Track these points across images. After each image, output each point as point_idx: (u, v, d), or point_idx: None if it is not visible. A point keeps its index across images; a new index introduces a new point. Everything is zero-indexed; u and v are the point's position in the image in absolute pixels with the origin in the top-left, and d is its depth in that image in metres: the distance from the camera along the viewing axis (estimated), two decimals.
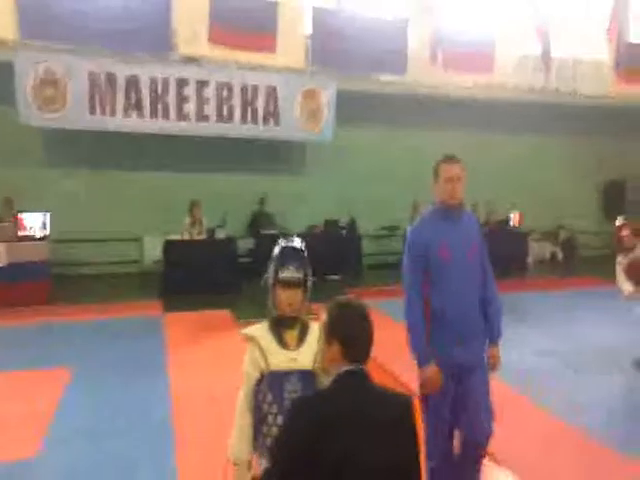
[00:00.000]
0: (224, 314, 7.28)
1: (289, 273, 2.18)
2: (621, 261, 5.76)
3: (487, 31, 10.99)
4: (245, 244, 9.68)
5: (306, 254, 2.29)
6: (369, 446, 1.60)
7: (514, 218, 11.12)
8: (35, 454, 3.66)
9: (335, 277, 9.66)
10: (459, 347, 2.78)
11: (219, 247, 8.82)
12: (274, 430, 2.11)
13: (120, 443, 3.80)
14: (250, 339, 2.21)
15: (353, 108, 10.36)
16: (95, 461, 3.58)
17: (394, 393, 1.80)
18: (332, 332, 1.74)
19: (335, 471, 1.56)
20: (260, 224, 10.02)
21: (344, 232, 10.25)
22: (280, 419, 2.10)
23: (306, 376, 2.15)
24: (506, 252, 9.99)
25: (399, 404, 1.73)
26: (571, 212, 12.30)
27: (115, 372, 5.14)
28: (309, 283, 2.26)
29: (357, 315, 1.77)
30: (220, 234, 8.88)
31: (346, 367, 1.70)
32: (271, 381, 2.15)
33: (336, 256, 9.54)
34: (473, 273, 2.86)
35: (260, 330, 2.23)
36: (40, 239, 8.18)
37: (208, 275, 8.37)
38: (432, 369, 2.77)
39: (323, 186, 10.82)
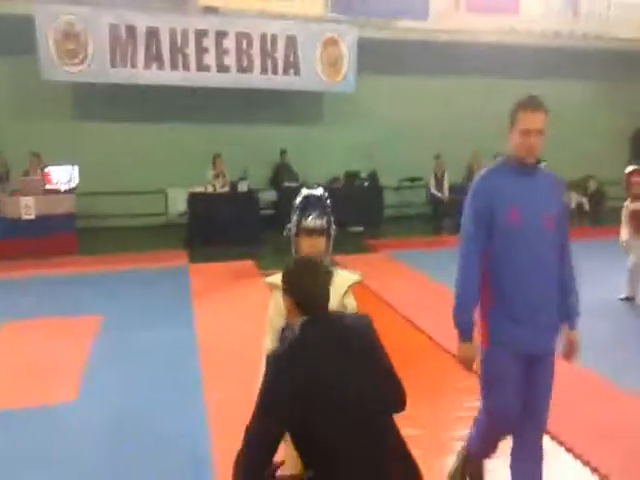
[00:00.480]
0: (248, 264, 7.46)
1: (312, 221, 2.19)
2: (628, 205, 5.82)
3: None
4: (267, 196, 9.78)
5: (329, 202, 2.30)
6: (347, 376, 1.69)
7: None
8: (73, 398, 3.88)
9: (357, 229, 9.73)
10: (527, 332, 2.34)
11: (242, 199, 8.95)
12: None
13: (151, 388, 3.99)
14: (274, 287, 2.21)
15: (373, 56, 10.15)
16: (129, 405, 3.78)
17: (356, 320, 1.88)
18: (288, 290, 1.79)
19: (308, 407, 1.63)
20: (282, 176, 10.07)
21: (365, 184, 10.24)
22: None
23: None
24: None
25: (365, 330, 1.84)
26: (600, 162, 12.02)
27: (143, 320, 5.35)
28: (332, 231, 2.27)
29: (311, 273, 1.79)
30: (243, 187, 8.97)
31: (304, 318, 1.76)
32: None
33: (357, 208, 9.58)
34: (548, 244, 2.33)
35: None
36: (67, 192, 8.39)
37: (232, 227, 8.52)
38: (467, 348, 2.43)
39: (344, 137, 10.74)
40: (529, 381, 2.42)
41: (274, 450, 1.67)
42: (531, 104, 2.40)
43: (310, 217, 2.20)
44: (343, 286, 2.19)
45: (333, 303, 2.16)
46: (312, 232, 2.20)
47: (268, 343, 2.23)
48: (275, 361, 1.69)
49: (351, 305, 2.22)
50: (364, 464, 1.70)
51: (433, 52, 10.56)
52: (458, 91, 11.19)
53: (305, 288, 1.77)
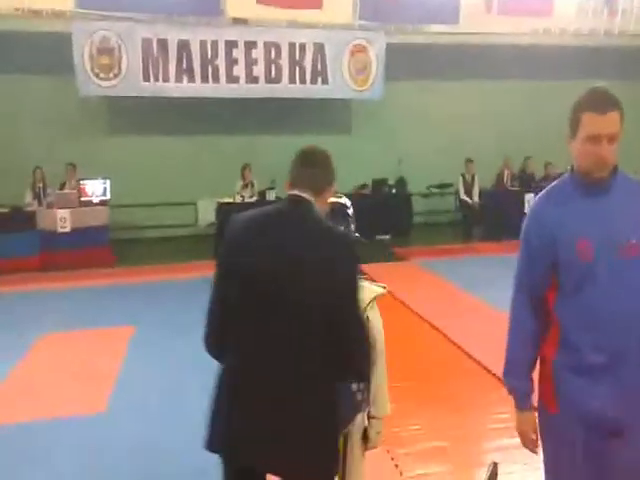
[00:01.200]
0: None
1: None
2: None
3: None
4: None
5: (349, 211, 2.30)
6: (270, 263, 1.74)
7: None
8: (105, 409, 3.95)
9: (385, 237, 9.69)
10: (602, 394, 1.78)
11: None
12: None
13: (183, 400, 4.02)
14: None
15: (402, 62, 10.10)
16: (161, 417, 3.83)
17: (335, 234, 1.86)
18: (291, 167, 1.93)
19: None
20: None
21: (393, 191, 10.19)
22: None
23: None
24: None
25: (339, 242, 1.81)
26: (636, 163, 11.68)
27: (175, 330, 5.39)
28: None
29: (301, 157, 1.91)
30: (271, 196, 9.04)
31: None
32: None
33: (385, 215, 9.54)
34: (631, 281, 1.79)
35: None
36: (101, 204, 8.59)
37: None
38: (524, 419, 1.97)
39: (371, 144, 10.72)
40: (605, 466, 1.81)
41: (220, 313, 1.79)
42: (600, 102, 1.88)
43: None
44: (365, 299, 2.19)
45: None
46: None
47: None
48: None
49: (375, 319, 2.21)
50: (267, 380, 1.68)
51: (464, 56, 10.46)
52: (489, 95, 11.06)
53: (291, 168, 1.91)
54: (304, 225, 1.80)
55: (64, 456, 3.36)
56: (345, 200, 2.34)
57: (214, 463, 1.85)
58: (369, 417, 2.18)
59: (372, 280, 2.31)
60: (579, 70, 11.06)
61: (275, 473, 1.76)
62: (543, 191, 1.97)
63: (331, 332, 1.70)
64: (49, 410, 3.96)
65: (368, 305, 2.18)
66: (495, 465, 1.58)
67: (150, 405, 4.01)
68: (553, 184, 1.99)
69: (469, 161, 10.08)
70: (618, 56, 10.98)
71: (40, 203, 8.55)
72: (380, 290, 2.26)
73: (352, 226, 2.28)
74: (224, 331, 1.79)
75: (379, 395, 2.18)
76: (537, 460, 3.19)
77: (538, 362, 1.97)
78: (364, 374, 1.97)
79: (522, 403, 1.97)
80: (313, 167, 1.89)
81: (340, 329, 1.72)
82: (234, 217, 1.89)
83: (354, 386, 2.13)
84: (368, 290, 2.22)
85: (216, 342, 1.82)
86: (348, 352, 1.76)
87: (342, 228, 2.19)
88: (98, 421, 3.80)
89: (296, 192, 1.85)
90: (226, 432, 1.73)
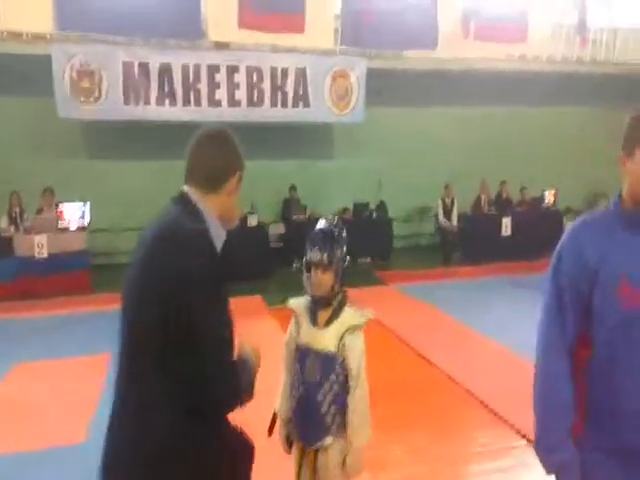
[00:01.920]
0: (256, 300, 7.44)
1: (313, 254, 2.22)
2: None
3: (520, 1, 10.72)
4: (276, 229, 9.81)
5: (337, 235, 2.28)
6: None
7: (549, 196, 10.91)
8: (84, 439, 3.84)
9: (366, 260, 9.73)
10: None
11: (251, 234, 8.98)
12: (295, 397, 2.24)
13: None
14: (292, 310, 2.34)
15: (382, 87, 10.26)
16: None
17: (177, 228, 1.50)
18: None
19: None
20: (291, 210, 10.12)
21: (374, 215, 10.28)
22: (301, 390, 2.21)
23: (322, 357, 2.19)
24: (541, 232, 9.89)
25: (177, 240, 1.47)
26: (610, 188, 11.95)
27: None
28: (339, 264, 2.22)
29: (195, 141, 1.61)
30: (253, 221, 9.03)
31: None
32: (299, 354, 2.25)
33: (366, 239, 9.58)
34: None
35: (300, 304, 2.32)
36: (80, 229, 8.45)
37: (240, 261, 8.52)
38: None
39: (353, 169, 10.83)
40: None
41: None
42: None
43: (312, 251, 2.23)
44: (344, 325, 2.21)
45: (328, 341, 2.19)
46: (315, 265, 2.21)
47: (285, 355, 2.34)
48: None
49: (352, 345, 2.20)
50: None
51: (442, 81, 10.66)
52: (467, 120, 11.29)
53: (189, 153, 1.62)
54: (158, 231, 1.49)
55: None
56: (325, 224, 2.33)
57: None
58: (348, 442, 2.19)
59: (357, 307, 2.32)
60: (553, 96, 11.42)
61: None
62: (583, 217, 1.63)
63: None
64: (26, 443, 3.85)
65: (346, 331, 2.20)
66: None
67: None
68: (596, 213, 1.64)
69: (448, 186, 10.23)
70: (590, 83, 11.35)
71: (17, 228, 8.38)
72: (360, 319, 2.24)
73: (340, 250, 2.27)
74: None
75: (356, 422, 2.18)
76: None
77: None
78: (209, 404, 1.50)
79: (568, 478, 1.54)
80: (206, 151, 1.55)
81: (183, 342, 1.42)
82: None
83: (323, 408, 2.17)
84: (348, 317, 2.24)
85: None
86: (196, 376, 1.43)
87: (325, 254, 2.19)
88: (79, 451, 3.71)
89: (183, 188, 1.57)
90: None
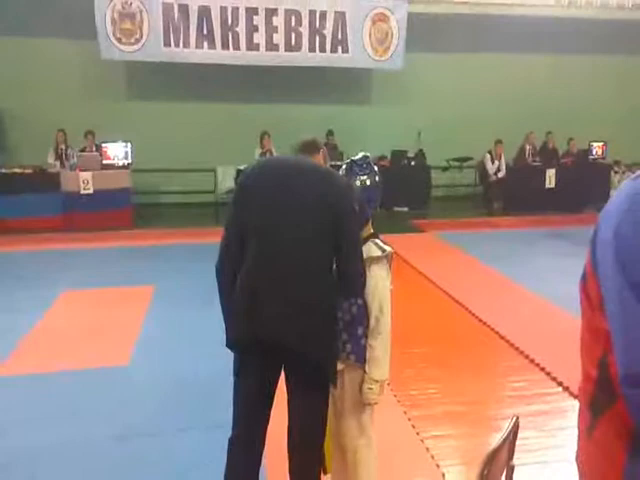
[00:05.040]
0: None
1: (357, 180, 2.29)
2: None
3: None
4: None
5: (374, 166, 2.43)
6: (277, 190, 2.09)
7: (596, 148, 10.51)
8: (128, 362, 4.07)
9: (403, 209, 9.66)
10: None
11: None
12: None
13: (197, 356, 4.11)
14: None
15: (423, 33, 9.95)
16: (177, 371, 3.93)
17: (327, 172, 2.18)
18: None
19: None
20: (328, 155, 10.04)
21: (412, 163, 10.12)
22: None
23: None
24: (586, 185, 9.62)
25: (333, 187, 2.10)
26: None
27: (192, 291, 5.45)
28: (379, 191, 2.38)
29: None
30: None
31: None
32: None
33: (404, 187, 9.49)
34: None
35: None
36: (123, 167, 8.65)
37: None
38: None
39: (391, 116, 10.61)
40: None
41: (232, 235, 2.08)
42: None
43: (355, 178, 2.32)
44: (371, 252, 2.22)
45: None
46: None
47: None
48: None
49: (377, 275, 2.20)
50: (272, 289, 2.00)
51: (485, 28, 10.27)
52: (510, 68, 10.86)
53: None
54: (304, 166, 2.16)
55: (91, 405, 3.48)
56: (361, 155, 2.48)
57: None
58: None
59: (385, 242, 2.32)
60: (605, 44, 10.84)
61: (289, 347, 2.02)
62: None
63: (327, 244, 2.02)
64: (74, 362, 4.06)
65: (372, 259, 2.21)
66: (517, 419, 1.61)
67: (169, 360, 4.10)
68: None
69: (499, 142, 9.94)
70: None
71: (62, 165, 8.64)
72: (377, 252, 2.23)
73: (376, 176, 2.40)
74: (239, 255, 2.05)
75: (374, 355, 2.20)
76: (552, 428, 3.26)
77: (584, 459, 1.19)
78: (354, 289, 2.12)
79: None
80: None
81: (337, 248, 2.03)
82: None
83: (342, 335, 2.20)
84: (370, 249, 2.23)
85: (230, 268, 2.08)
86: (343, 268, 2.07)
87: (370, 179, 2.36)
88: (121, 373, 3.92)
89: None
90: (246, 321, 2.03)
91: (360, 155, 2.45)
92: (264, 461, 2.20)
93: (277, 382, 2.13)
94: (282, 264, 2.00)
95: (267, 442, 2.15)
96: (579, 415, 1.19)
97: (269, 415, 2.14)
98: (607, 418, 1.08)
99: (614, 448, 1.07)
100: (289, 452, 2.16)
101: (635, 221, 0.98)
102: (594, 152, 10.47)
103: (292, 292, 2.00)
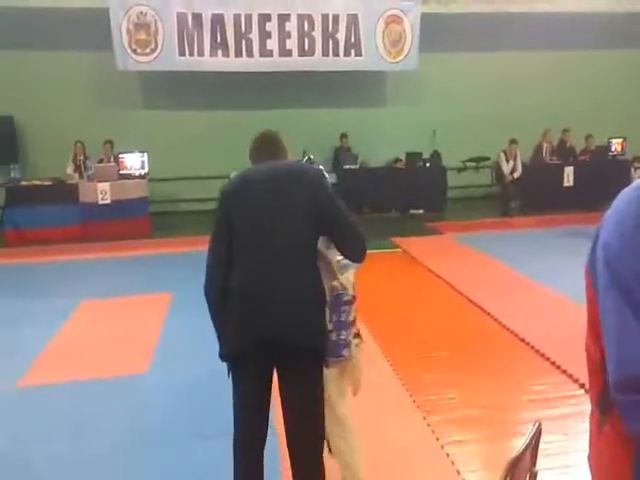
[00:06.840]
0: None
1: None
2: None
3: None
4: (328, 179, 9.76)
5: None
6: (263, 192, 2.27)
7: (616, 145, 10.33)
8: (145, 370, 4.10)
9: (418, 211, 9.60)
10: None
11: None
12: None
13: (215, 363, 4.10)
14: None
15: (437, 33, 9.88)
16: (197, 378, 3.94)
17: (298, 165, 2.57)
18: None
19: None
20: (342, 159, 10.04)
21: (428, 164, 10.07)
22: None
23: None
24: (606, 182, 9.46)
25: (307, 172, 2.48)
26: None
27: None
28: None
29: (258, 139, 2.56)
30: None
31: None
32: None
33: (419, 189, 9.44)
34: None
35: None
36: (140, 177, 8.75)
37: None
38: None
39: (405, 118, 10.55)
40: None
41: (223, 250, 2.24)
42: None
43: None
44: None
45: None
46: None
47: None
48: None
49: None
50: (261, 272, 2.13)
51: (499, 26, 10.16)
52: (525, 66, 10.75)
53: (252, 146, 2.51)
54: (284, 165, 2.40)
55: (109, 414, 3.51)
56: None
57: None
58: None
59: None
60: (622, 38, 10.67)
61: (292, 342, 2.13)
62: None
63: (314, 234, 2.17)
64: (94, 371, 4.11)
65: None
66: (539, 424, 1.58)
67: (187, 368, 4.11)
68: None
69: (513, 142, 9.85)
70: None
71: (81, 176, 8.78)
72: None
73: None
74: (227, 271, 2.18)
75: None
76: (575, 431, 3.20)
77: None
78: (359, 255, 2.26)
79: None
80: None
81: (331, 227, 2.20)
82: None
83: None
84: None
85: (220, 283, 2.19)
86: (342, 242, 2.21)
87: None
88: (141, 381, 3.95)
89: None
90: (247, 325, 2.15)
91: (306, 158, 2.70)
92: (279, 465, 2.22)
93: (272, 380, 2.24)
94: (275, 265, 2.13)
95: (280, 447, 2.17)
96: (590, 414, 1.20)
97: (268, 414, 2.26)
98: (615, 414, 1.07)
99: (623, 443, 1.07)
100: (291, 445, 2.23)
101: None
102: (613, 148, 10.30)
103: (288, 290, 2.12)
